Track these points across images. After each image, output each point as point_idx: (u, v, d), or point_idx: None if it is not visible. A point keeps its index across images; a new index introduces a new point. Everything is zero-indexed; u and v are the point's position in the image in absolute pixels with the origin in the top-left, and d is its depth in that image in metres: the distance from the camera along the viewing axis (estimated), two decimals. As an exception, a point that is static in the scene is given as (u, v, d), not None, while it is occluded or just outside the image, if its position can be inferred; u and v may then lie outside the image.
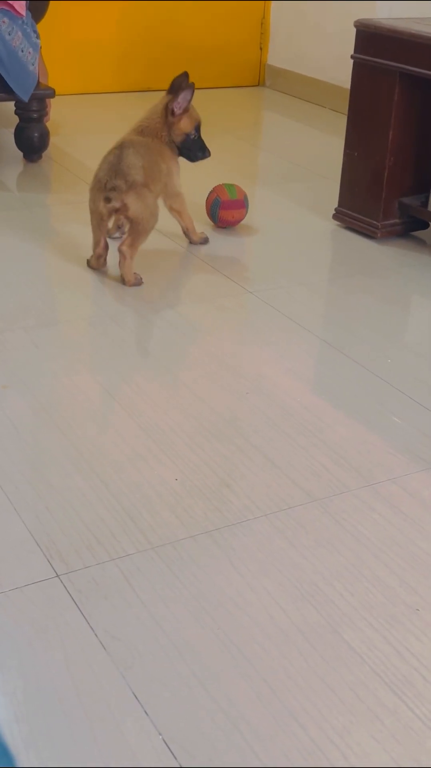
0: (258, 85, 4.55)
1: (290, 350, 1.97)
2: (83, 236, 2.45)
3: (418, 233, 2.67)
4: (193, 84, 2.27)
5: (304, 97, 4.28)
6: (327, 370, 1.93)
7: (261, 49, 4.46)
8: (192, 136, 2.34)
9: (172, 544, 1.36)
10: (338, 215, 2.69)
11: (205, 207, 2.60)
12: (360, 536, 1.40)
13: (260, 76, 4.53)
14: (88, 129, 3.62)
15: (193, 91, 2.28)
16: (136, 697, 1.09)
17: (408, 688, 1.13)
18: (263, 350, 1.97)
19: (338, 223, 2.70)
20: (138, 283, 2.24)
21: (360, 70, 2.50)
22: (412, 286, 2.37)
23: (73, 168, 3.11)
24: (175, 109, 2.28)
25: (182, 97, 2.27)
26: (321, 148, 3.50)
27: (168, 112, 2.29)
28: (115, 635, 1.18)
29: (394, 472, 1.56)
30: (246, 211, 2.60)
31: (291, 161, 3.33)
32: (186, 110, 2.29)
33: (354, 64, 2.51)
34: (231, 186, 2.57)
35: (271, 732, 1.06)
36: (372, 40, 2.43)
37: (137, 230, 2.20)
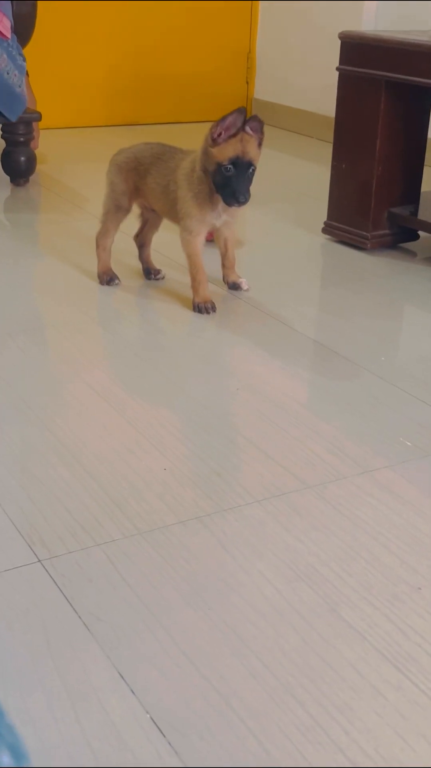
0: (245, 119, 4.58)
1: (282, 350, 1.93)
2: (70, 252, 2.43)
3: (408, 245, 2.64)
4: (242, 109, 1.92)
5: (292, 128, 4.30)
6: (319, 367, 1.88)
7: (247, 83, 4.51)
8: (225, 169, 1.92)
9: (160, 529, 1.29)
10: (327, 229, 2.67)
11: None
12: (357, 520, 1.34)
13: (247, 110, 4.57)
14: (76, 158, 3.62)
15: (243, 116, 1.91)
16: (122, 677, 1.02)
17: (412, 665, 1.06)
18: (254, 351, 1.93)
19: (328, 236, 2.68)
20: (107, 280, 2.22)
21: (345, 81, 2.50)
22: (404, 293, 2.33)
23: (61, 192, 3.10)
24: (214, 134, 1.93)
25: (224, 121, 1.92)
26: (310, 174, 3.51)
27: (208, 137, 1.95)
28: (99, 617, 1.11)
29: (391, 459, 1.51)
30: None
31: (279, 185, 3.33)
32: (232, 136, 1.92)
33: (340, 75, 2.51)
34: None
35: (266, 708, 0.99)
36: (357, 51, 2.44)
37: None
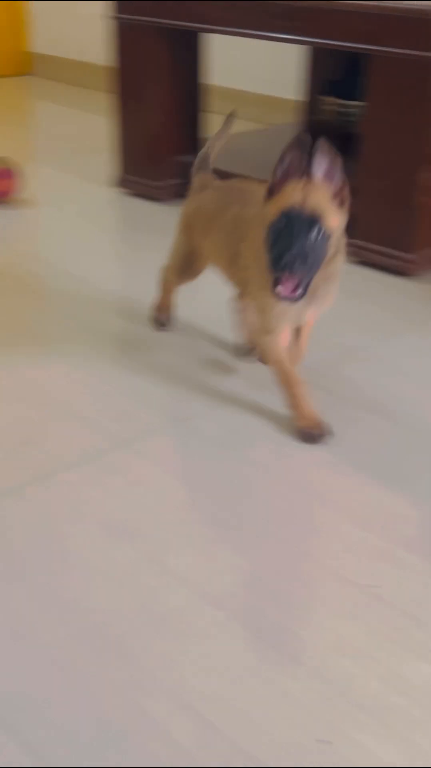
0: (25, 74, 4.44)
1: (49, 304, 1.90)
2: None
3: (201, 192, 2.66)
4: (300, 137, 1.31)
5: (73, 82, 4.21)
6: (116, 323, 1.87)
7: (22, 37, 4.35)
8: (277, 228, 1.30)
9: (-28, 507, 1.26)
10: (119, 182, 2.65)
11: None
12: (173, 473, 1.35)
13: (26, 65, 4.42)
14: None
15: (304, 150, 1.30)
16: None
17: (231, 602, 1.09)
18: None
19: (122, 189, 2.66)
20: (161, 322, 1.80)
21: (117, 30, 2.46)
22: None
23: None
24: (273, 183, 1.34)
25: (283, 162, 1.32)
26: (96, 127, 3.45)
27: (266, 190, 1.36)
28: None
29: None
30: (16, 183, 2.51)
31: (67, 141, 3.26)
32: (284, 182, 1.32)
33: (113, 24, 2.46)
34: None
35: (99, 669, 0.99)
36: (128, -3, 2.40)
37: None
